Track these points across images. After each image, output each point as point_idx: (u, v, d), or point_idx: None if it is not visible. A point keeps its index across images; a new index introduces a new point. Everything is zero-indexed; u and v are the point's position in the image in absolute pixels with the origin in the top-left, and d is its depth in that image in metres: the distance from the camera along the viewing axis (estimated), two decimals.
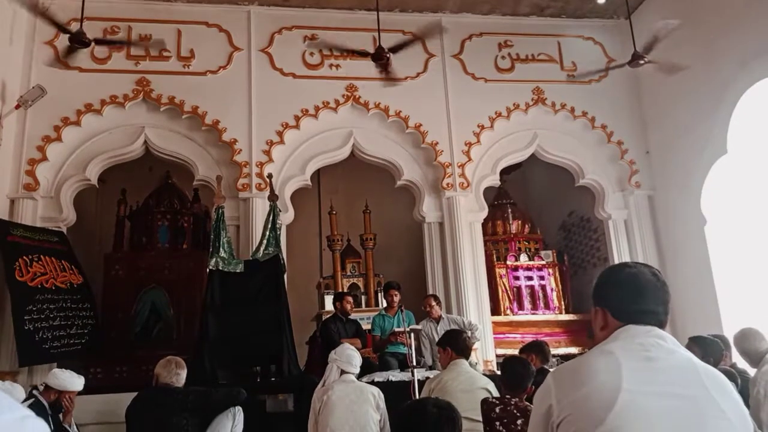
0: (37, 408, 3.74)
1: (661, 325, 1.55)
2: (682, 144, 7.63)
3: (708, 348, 3.80)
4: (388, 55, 6.57)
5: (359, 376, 5.37)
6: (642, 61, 6.62)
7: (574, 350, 7.86)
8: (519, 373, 2.96)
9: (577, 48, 8.54)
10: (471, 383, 3.38)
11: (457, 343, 3.72)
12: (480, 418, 2.76)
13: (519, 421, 2.59)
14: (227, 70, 7.67)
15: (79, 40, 6.48)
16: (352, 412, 3.45)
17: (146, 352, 7.17)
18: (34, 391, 4.12)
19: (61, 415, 4.07)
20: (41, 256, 6.49)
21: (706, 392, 1.41)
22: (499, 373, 3.43)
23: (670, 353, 1.48)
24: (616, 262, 7.85)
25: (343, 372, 3.67)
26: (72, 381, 4.10)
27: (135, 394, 4.11)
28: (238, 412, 4.06)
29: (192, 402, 3.82)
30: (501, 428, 2.62)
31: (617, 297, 1.59)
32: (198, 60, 7.61)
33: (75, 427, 4.27)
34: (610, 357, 1.46)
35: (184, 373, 4.02)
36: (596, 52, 8.55)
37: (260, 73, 7.73)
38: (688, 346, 3.75)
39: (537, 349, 4.34)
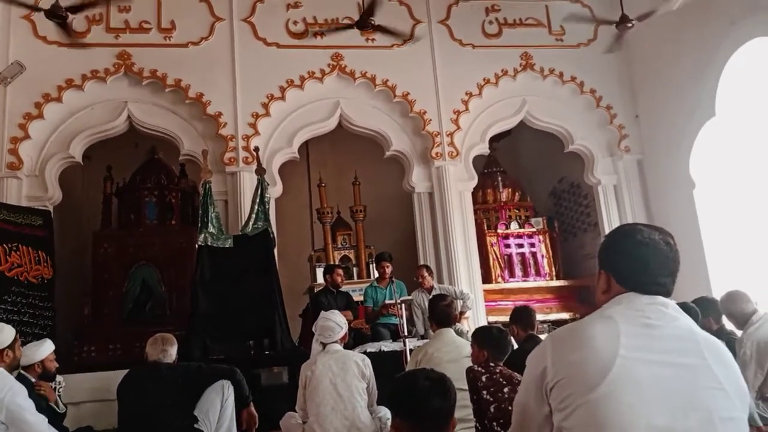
0: (22, 383, 3.78)
1: (667, 295, 1.52)
2: (671, 107, 7.58)
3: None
4: (372, 21, 6.44)
5: (353, 347, 5.43)
6: (630, 24, 6.54)
7: (565, 315, 7.94)
8: (495, 338, 2.98)
9: (565, 11, 8.38)
10: (458, 353, 3.37)
11: (433, 315, 3.69)
12: (467, 387, 2.77)
13: (506, 389, 2.60)
14: (209, 42, 7.51)
15: (55, 14, 6.33)
16: (335, 386, 3.46)
17: (139, 329, 7.14)
18: (21, 372, 4.13)
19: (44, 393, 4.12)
20: (20, 246, 6.39)
21: (703, 361, 1.39)
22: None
23: (672, 320, 1.46)
24: (606, 227, 7.91)
25: (324, 344, 3.66)
26: (38, 351, 4.15)
27: (128, 371, 4.11)
28: (228, 387, 3.94)
29: (180, 378, 3.78)
30: (488, 397, 2.63)
31: (624, 266, 1.54)
32: (179, 31, 7.44)
33: (62, 404, 4.30)
34: (609, 322, 1.44)
35: (172, 350, 3.96)
36: (584, 15, 8.41)
37: (243, 43, 7.58)
38: None
39: (514, 318, 4.22)
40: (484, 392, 2.63)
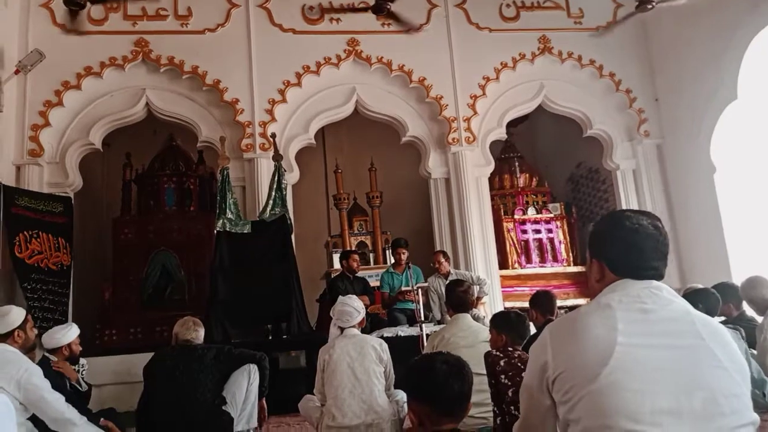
0: (46, 365, 3.87)
1: (660, 278, 1.53)
2: (691, 90, 7.47)
3: (695, 297, 3.75)
4: (388, 7, 6.41)
5: (370, 332, 5.47)
6: (650, 6, 6.42)
7: (582, 301, 7.89)
8: (514, 323, 2.98)
9: None
10: (474, 338, 3.39)
11: (450, 300, 3.70)
12: (484, 372, 2.79)
13: (524, 374, 2.60)
14: (226, 28, 7.52)
15: (74, 2, 6.38)
16: (353, 370, 3.50)
17: (159, 313, 7.29)
18: (46, 354, 4.24)
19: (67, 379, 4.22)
20: (40, 233, 6.50)
21: (702, 341, 1.40)
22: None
23: (667, 304, 1.47)
24: None
25: (342, 328, 3.69)
26: (65, 335, 4.24)
27: (149, 354, 4.17)
28: (254, 371, 4.02)
29: (212, 358, 3.85)
30: (506, 381, 2.64)
31: (616, 253, 1.55)
32: (196, 18, 7.46)
33: (84, 383, 4.41)
34: (605, 310, 1.45)
35: (202, 331, 4.06)
36: None
37: (259, 29, 7.58)
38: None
39: (534, 302, 4.20)
40: (503, 376, 2.65)
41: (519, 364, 2.69)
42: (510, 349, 2.83)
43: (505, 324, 3.01)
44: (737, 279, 5.06)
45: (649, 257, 1.51)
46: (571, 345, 1.43)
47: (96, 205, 8.97)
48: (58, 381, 3.83)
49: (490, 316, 6.71)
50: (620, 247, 1.54)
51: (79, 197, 7.27)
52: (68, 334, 4.30)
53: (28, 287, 6.26)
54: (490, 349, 3.01)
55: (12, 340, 3.48)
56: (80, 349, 4.46)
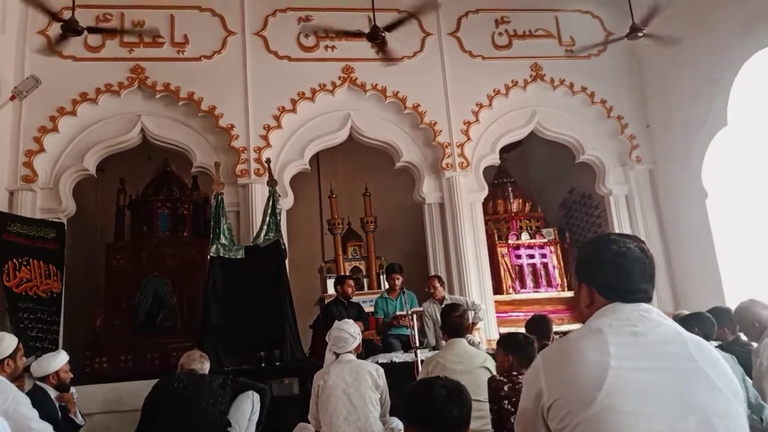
0: (38, 393, 3.80)
1: (649, 301, 1.53)
2: (682, 117, 7.56)
3: (691, 322, 3.75)
4: (383, 35, 6.50)
5: (365, 357, 5.41)
6: (640, 34, 6.54)
7: (577, 326, 7.84)
8: (521, 344, 2.96)
9: (575, 22, 8.43)
10: (471, 363, 3.35)
11: (445, 325, 3.68)
12: (483, 398, 2.75)
13: None
14: (222, 55, 7.59)
15: (71, 28, 6.43)
16: (348, 396, 3.46)
17: (150, 340, 7.21)
18: (37, 383, 4.17)
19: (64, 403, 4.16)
20: (31, 260, 6.44)
21: (694, 363, 1.40)
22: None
23: (657, 326, 1.46)
24: None
25: (338, 354, 3.66)
26: (52, 362, 4.19)
27: (140, 382, 4.14)
28: (257, 400, 4.04)
29: (220, 386, 3.87)
30: (510, 407, 2.60)
31: (605, 277, 1.55)
32: (192, 45, 7.53)
33: (80, 416, 4.32)
34: (597, 335, 1.45)
35: (207, 364, 4.11)
36: (594, 25, 8.46)
37: (255, 56, 7.66)
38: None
39: (530, 327, 4.17)
40: (506, 402, 2.62)
41: None
42: (515, 373, 2.80)
43: (513, 345, 2.98)
44: (731, 303, 5.07)
45: (637, 280, 1.52)
46: (564, 371, 1.42)
47: (89, 230, 8.91)
48: (48, 410, 3.76)
49: (484, 342, 6.71)
50: (609, 271, 1.54)
51: (72, 223, 7.24)
52: (56, 361, 4.24)
53: (16, 316, 6.17)
54: (487, 374, 2.98)
55: (1, 369, 3.42)
56: (70, 376, 4.39)
